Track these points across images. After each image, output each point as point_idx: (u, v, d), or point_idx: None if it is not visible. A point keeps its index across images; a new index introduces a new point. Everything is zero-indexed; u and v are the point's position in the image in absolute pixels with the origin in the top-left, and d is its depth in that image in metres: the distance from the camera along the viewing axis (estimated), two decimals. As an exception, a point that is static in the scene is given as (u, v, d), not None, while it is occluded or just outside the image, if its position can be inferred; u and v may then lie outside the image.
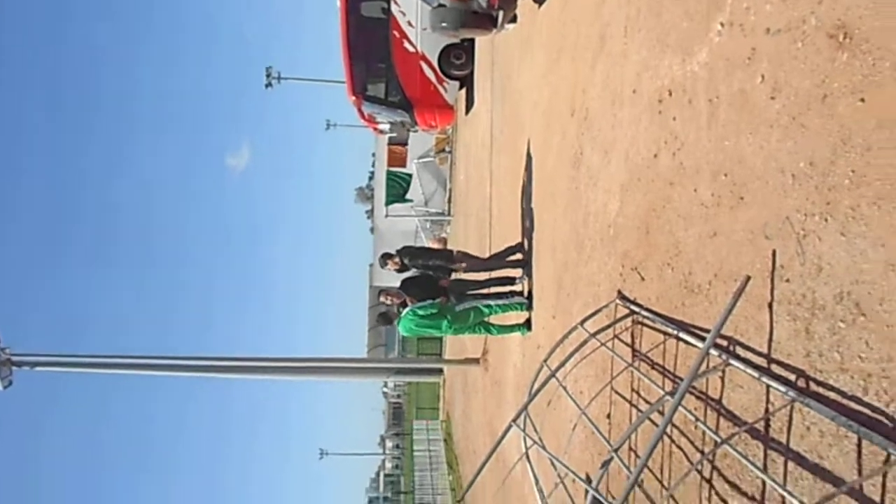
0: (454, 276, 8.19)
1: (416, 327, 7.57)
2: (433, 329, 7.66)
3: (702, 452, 3.51)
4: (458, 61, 14.58)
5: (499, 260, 8.51)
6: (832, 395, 2.68)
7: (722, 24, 3.62)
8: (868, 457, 2.49)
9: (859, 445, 2.53)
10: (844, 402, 2.61)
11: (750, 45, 3.33)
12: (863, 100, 2.58)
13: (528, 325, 7.72)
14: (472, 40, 14.19)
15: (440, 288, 7.85)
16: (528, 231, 8.07)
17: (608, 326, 4.66)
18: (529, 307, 7.67)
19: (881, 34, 2.51)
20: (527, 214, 8.12)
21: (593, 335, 4.56)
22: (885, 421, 2.43)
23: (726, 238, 3.47)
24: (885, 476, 2.40)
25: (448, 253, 8.60)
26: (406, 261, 8.16)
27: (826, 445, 2.70)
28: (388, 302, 7.82)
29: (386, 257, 8.20)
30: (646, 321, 4.33)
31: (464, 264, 8.26)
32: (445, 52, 14.45)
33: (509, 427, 4.28)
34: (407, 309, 7.58)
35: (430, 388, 29.65)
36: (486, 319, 7.75)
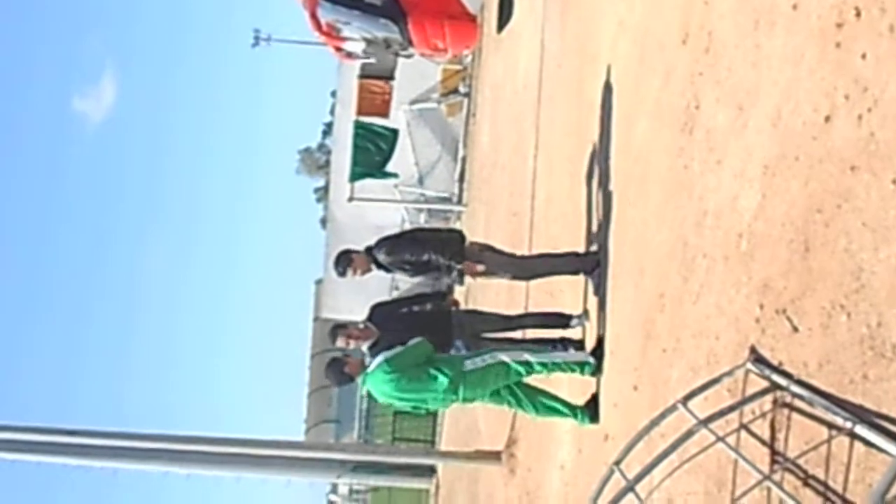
0: (461, 298, 8.15)
1: (396, 391, 7.48)
2: (422, 394, 7.52)
3: None
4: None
5: (543, 263, 8.61)
6: None
7: None
8: None
9: None
10: None
11: None
12: None
13: (590, 407, 7.61)
14: None
15: (440, 318, 7.90)
16: (597, 237, 8.06)
17: (732, 409, 4.63)
18: (597, 369, 7.61)
19: None
20: (596, 208, 8.12)
21: (704, 422, 4.52)
22: None
23: (946, 267, 3.44)
24: None
25: (454, 241, 8.44)
26: (382, 257, 8.19)
27: None
28: (349, 345, 7.79)
29: (345, 260, 8.27)
30: (798, 403, 4.31)
31: (480, 266, 8.19)
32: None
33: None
34: (378, 359, 7.45)
35: (410, 498, 29.59)
36: (520, 381, 7.58)
